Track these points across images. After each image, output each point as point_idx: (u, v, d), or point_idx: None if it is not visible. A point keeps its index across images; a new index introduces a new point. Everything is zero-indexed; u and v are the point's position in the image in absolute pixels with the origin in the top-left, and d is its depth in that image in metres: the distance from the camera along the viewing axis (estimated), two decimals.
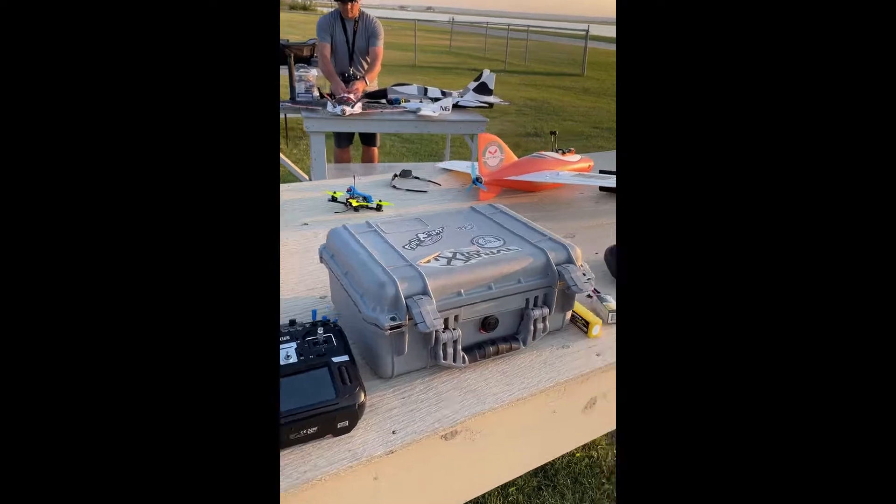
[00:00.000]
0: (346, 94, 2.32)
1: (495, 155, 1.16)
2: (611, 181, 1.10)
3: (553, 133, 1.34)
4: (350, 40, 2.56)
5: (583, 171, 1.24)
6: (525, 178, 1.13)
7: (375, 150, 2.93)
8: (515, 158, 1.22)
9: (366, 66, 2.62)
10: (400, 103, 2.43)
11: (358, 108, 2.23)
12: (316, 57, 2.91)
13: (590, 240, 0.97)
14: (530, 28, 16.88)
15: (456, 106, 2.55)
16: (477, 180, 1.14)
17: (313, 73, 2.43)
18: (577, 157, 1.29)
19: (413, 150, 4.27)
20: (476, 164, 1.15)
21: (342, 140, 2.77)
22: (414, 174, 1.33)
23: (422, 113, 2.30)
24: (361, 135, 2.81)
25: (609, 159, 1.50)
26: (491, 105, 2.65)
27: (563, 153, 1.26)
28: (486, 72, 2.66)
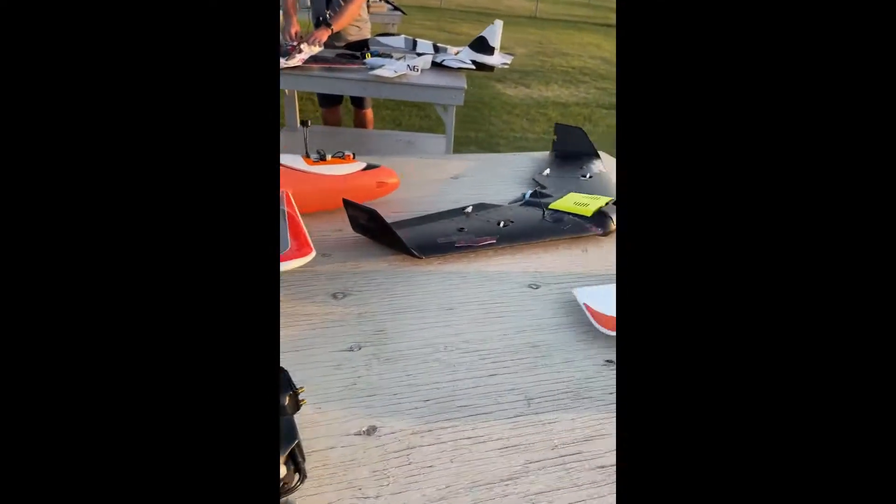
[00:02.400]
0: (291, 43, 1.90)
1: None
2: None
3: (304, 123, 0.80)
4: None
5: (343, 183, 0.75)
6: None
7: (367, 112, 2.49)
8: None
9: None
10: (365, 58, 1.95)
11: (297, 59, 1.80)
12: None
13: None
14: None
15: (440, 66, 2.01)
16: None
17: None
18: (345, 165, 0.78)
19: (423, 114, 3.72)
20: None
21: (327, 99, 2.37)
22: None
23: (376, 72, 1.81)
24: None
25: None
26: (491, 67, 2.06)
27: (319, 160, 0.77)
28: (495, 23, 2.06)
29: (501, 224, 0.74)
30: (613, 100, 4.45)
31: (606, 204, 0.79)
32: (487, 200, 0.84)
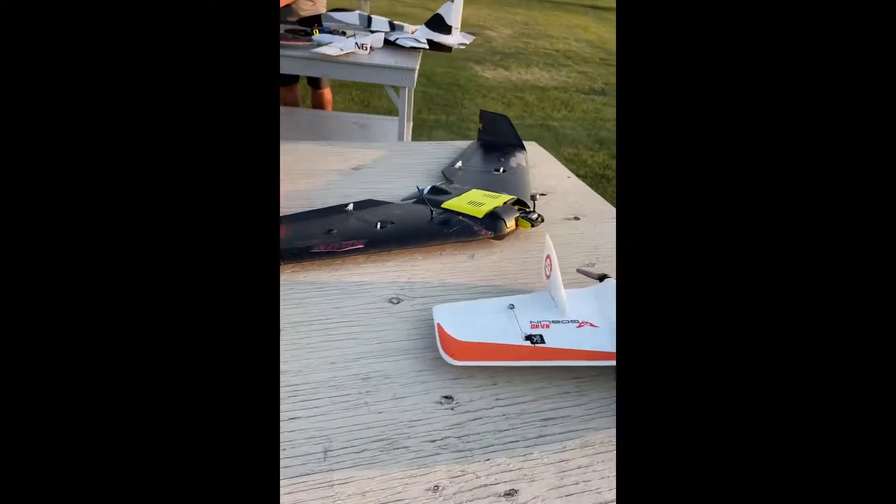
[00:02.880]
0: None
1: None
2: None
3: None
4: None
5: None
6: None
7: (324, 93, 2.38)
8: None
9: None
10: (311, 35, 1.83)
11: None
12: None
13: None
14: None
15: (393, 45, 1.90)
16: None
17: None
18: None
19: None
20: None
21: (282, 77, 2.25)
22: None
23: (321, 50, 1.70)
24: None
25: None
26: (448, 48, 1.95)
27: None
28: (454, 0, 1.95)
29: (378, 226, 0.66)
30: (593, 84, 4.35)
31: (504, 203, 0.70)
32: (384, 196, 0.76)
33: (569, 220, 0.76)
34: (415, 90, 3.58)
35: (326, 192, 0.77)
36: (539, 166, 0.94)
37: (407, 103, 1.87)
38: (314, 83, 2.34)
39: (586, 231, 0.74)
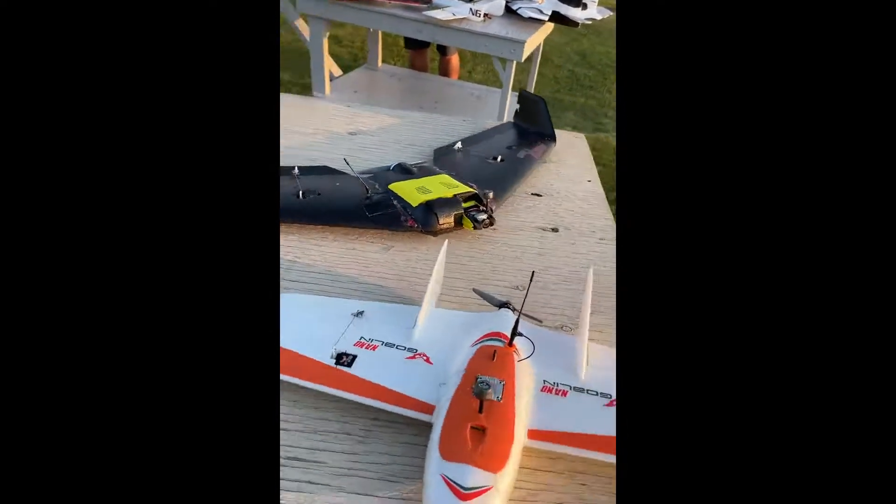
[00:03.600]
0: None
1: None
2: None
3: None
4: None
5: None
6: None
7: (450, 59, 2.33)
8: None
9: None
10: None
11: None
12: None
13: None
14: None
15: (514, 13, 1.76)
16: None
17: None
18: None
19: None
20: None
21: (410, 41, 2.25)
22: None
23: (431, 13, 1.64)
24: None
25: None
26: (575, 23, 1.75)
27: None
28: None
29: (301, 195, 0.60)
30: None
31: (455, 196, 0.60)
32: (367, 166, 0.70)
33: (543, 230, 0.63)
34: (562, 68, 3.38)
35: (294, 152, 0.73)
36: (564, 162, 0.80)
37: (509, 77, 1.74)
38: (441, 49, 2.30)
39: (556, 247, 0.60)
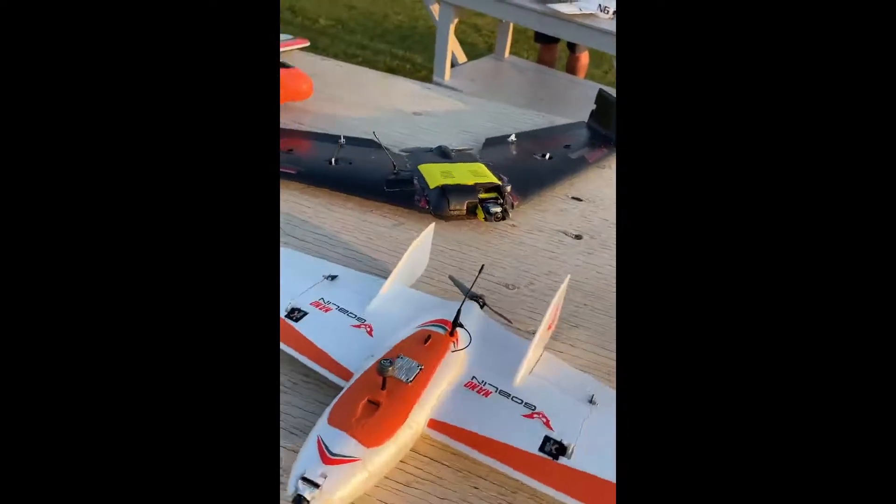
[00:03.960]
0: None
1: None
2: None
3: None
4: None
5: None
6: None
7: (580, 57, 2.24)
8: None
9: None
10: None
11: None
12: None
13: None
14: None
15: None
16: None
17: None
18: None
19: None
20: None
21: (539, 35, 2.20)
22: None
23: (556, 6, 1.59)
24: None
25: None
26: None
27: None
28: None
29: (333, 161, 0.63)
30: None
31: (475, 185, 0.59)
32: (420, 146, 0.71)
33: (565, 234, 0.60)
34: None
35: (362, 125, 0.76)
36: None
37: None
38: (571, 46, 2.23)
39: (570, 254, 0.57)
